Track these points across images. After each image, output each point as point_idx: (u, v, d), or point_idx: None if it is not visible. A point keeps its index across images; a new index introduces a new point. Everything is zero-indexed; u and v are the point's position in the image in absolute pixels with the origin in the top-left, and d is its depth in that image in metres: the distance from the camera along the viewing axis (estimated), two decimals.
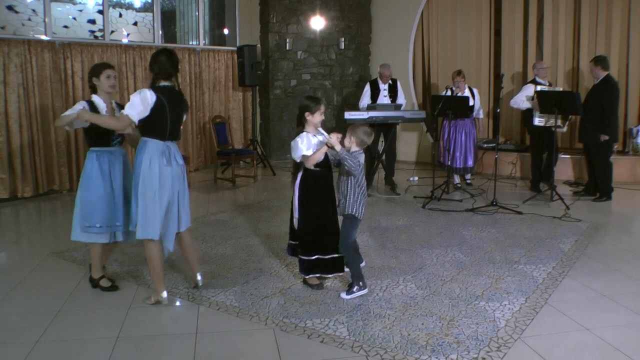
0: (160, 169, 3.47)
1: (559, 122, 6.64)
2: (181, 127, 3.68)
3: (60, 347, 3.08)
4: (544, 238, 5.09)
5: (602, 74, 6.54)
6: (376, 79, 7.86)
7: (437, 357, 2.93)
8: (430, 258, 4.54)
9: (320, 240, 3.79)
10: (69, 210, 6.63)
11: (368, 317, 3.41)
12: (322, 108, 3.78)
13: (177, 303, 3.69)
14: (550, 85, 7.29)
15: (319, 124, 3.77)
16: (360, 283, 3.77)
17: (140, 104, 3.39)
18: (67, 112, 3.62)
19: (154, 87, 3.50)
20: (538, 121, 6.87)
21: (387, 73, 7.73)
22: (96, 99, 3.77)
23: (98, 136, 3.74)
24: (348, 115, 7.11)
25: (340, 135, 3.65)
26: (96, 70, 3.77)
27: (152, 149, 3.47)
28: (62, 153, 7.24)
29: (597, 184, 6.74)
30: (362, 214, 3.78)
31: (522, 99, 7.12)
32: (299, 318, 3.41)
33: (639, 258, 4.58)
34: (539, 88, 6.90)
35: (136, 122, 3.44)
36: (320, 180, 3.78)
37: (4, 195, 6.77)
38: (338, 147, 3.58)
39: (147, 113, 3.41)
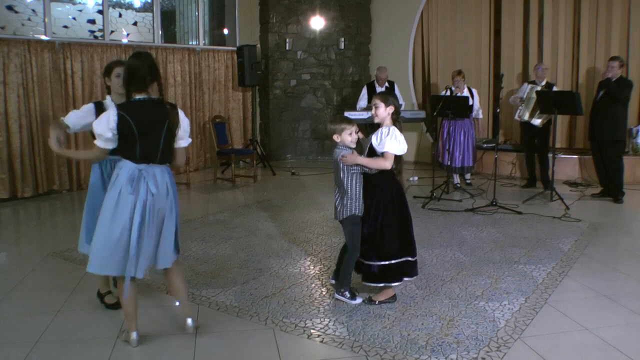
0: (122, 195, 2.92)
1: (532, 116, 7.03)
2: (168, 147, 3.02)
3: (60, 347, 3.08)
4: (544, 238, 5.09)
5: (619, 74, 6.53)
6: (373, 81, 7.98)
7: (436, 357, 2.93)
8: (430, 258, 4.54)
9: None
10: (69, 210, 6.66)
11: (368, 317, 3.41)
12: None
13: (177, 303, 3.69)
14: (548, 86, 7.30)
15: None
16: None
17: (104, 130, 2.88)
18: (68, 116, 3.42)
19: (122, 103, 2.99)
20: (517, 117, 7.36)
21: (382, 76, 7.89)
22: (108, 101, 3.47)
23: None
24: (348, 115, 7.09)
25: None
26: (107, 69, 3.50)
27: (123, 170, 2.96)
28: None
29: (611, 185, 6.63)
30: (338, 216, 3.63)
31: (516, 97, 7.46)
32: (299, 318, 3.41)
33: (639, 258, 4.59)
34: (530, 87, 7.10)
35: (109, 149, 2.95)
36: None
37: (4, 195, 6.77)
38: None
39: (115, 135, 2.88)
